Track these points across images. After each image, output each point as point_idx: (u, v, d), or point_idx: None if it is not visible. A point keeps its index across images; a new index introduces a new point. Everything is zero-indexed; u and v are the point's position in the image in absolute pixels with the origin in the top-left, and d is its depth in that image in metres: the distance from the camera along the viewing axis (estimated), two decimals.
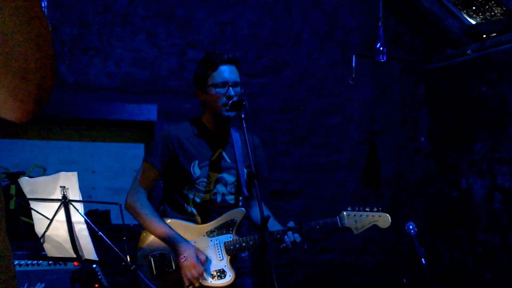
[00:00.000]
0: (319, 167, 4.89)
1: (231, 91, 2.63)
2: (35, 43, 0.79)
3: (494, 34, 4.70)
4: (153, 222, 2.67)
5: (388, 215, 2.74)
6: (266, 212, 2.76)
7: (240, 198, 2.76)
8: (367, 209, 2.74)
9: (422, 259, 2.75)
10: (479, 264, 4.58)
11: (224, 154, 2.75)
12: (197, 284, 2.58)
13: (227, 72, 2.67)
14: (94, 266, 3.40)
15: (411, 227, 2.83)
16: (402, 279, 4.72)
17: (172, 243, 2.62)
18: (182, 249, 2.58)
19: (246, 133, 2.49)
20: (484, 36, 4.79)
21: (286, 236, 2.62)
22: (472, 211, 4.67)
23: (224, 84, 2.65)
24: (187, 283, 2.57)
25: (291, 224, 2.67)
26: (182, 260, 2.56)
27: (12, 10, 0.75)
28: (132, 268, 2.68)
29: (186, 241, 2.62)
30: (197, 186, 2.68)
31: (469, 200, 4.71)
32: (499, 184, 4.45)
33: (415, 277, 4.62)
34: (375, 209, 2.74)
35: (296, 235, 2.63)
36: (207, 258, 2.64)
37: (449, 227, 4.88)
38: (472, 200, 4.68)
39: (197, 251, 2.61)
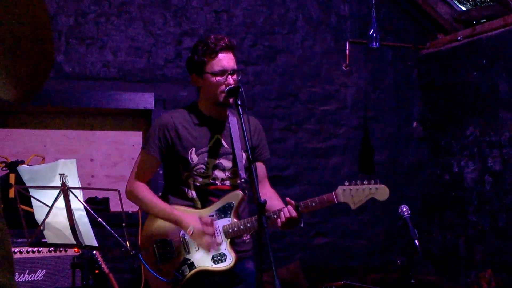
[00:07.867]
0: (315, 153, 4.95)
1: (230, 80, 2.62)
2: (32, 22, 0.78)
3: (484, 20, 4.74)
4: (154, 204, 2.68)
5: (385, 186, 2.63)
6: (273, 194, 2.79)
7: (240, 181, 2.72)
8: (364, 181, 2.65)
9: (416, 241, 2.74)
10: (470, 245, 4.66)
11: (222, 140, 2.73)
12: (215, 247, 2.59)
13: (225, 60, 2.63)
14: (94, 252, 3.44)
15: (404, 209, 2.83)
16: (396, 261, 4.81)
17: (175, 220, 2.63)
18: (187, 222, 2.59)
19: (242, 119, 2.48)
20: (474, 22, 4.84)
21: (282, 212, 2.57)
22: (464, 194, 4.74)
23: (223, 72, 2.62)
24: (207, 250, 2.58)
25: (287, 200, 2.62)
26: (190, 233, 2.57)
27: None
28: (132, 253, 2.73)
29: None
30: (195, 172, 2.67)
31: (460, 183, 4.78)
32: (489, 167, 4.52)
33: (409, 258, 4.70)
34: (373, 182, 2.65)
35: (291, 210, 2.56)
36: (213, 216, 2.64)
37: (442, 210, 4.96)
38: (464, 183, 4.75)
39: (201, 218, 2.61)
